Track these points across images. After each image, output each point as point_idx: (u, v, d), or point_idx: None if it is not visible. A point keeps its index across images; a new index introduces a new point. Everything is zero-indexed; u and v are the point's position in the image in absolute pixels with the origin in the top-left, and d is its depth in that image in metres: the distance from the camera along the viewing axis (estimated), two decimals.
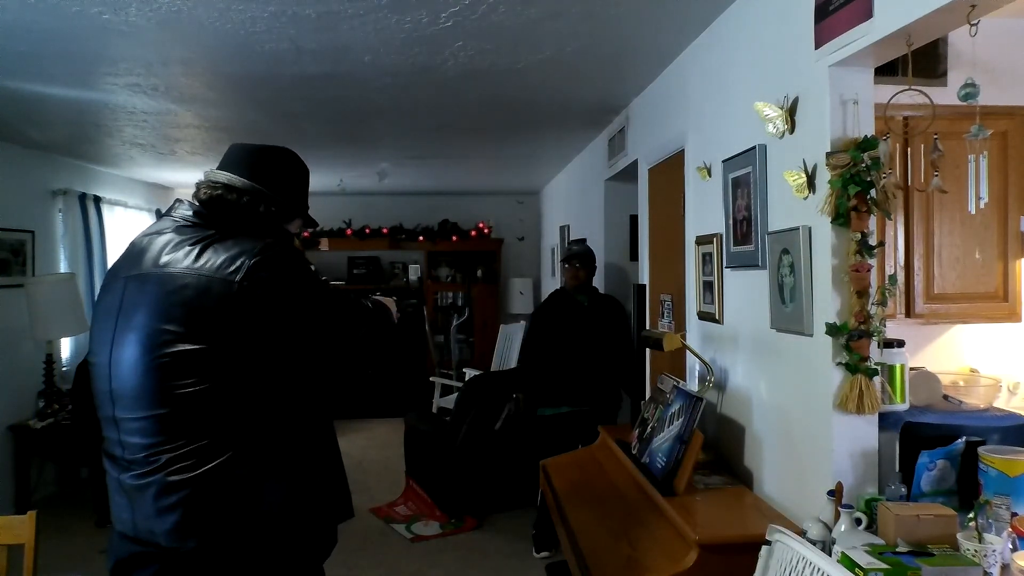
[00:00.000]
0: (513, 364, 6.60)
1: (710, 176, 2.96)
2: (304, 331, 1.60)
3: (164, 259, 1.56)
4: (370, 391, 7.77)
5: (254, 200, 1.67)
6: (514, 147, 5.66)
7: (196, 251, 1.55)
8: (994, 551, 1.60)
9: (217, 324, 1.49)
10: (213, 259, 1.53)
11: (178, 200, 1.70)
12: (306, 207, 1.85)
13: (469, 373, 6.72)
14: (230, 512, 1.51)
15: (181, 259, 1.55)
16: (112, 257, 6.15)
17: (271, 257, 1.55)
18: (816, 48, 2.08)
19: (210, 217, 1.63)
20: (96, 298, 1.73)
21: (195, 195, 1.69)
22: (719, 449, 2.82)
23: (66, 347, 5.69)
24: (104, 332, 1.59)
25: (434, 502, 4.84)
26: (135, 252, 1.64)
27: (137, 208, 6.85)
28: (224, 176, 1.68)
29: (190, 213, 1.64)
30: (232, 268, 1.51)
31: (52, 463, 5.36)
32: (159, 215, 7.17)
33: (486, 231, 8.49)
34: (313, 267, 1.73)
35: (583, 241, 5.33)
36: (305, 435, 1.64)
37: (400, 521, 4.74)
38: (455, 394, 6.35)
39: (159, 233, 1.63)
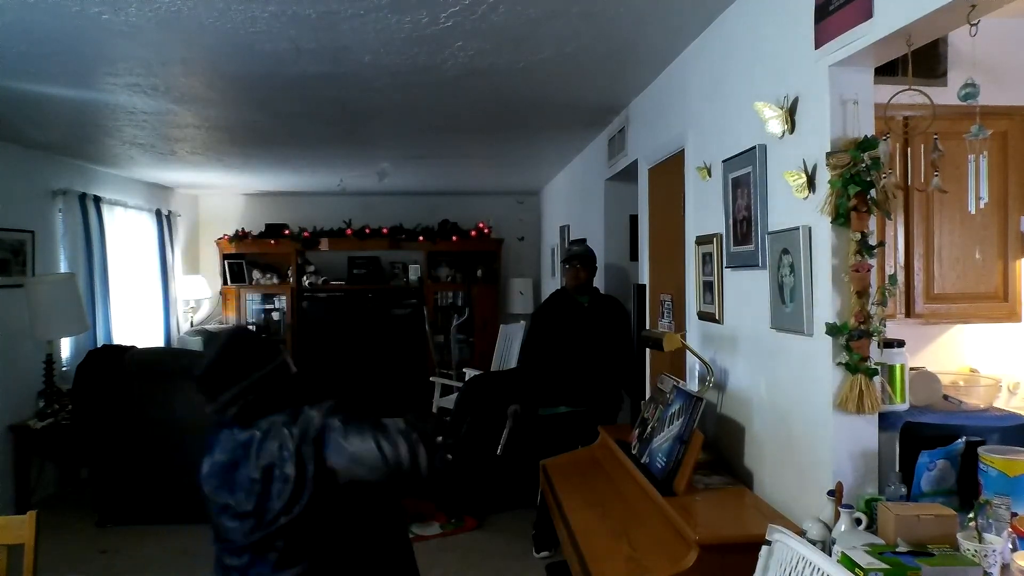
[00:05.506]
0: (513, 364, 6.59)
1: (710, 176, 2.96)
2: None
3: None
4: (370, 391, 7.76)
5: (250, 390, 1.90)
6: (514, 147, 5.65)
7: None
8: (994, 551, 1.60)
9: None
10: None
11: None
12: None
13: (469, 373, 6.71)
14: None
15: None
16: (112, 257, 6.17)
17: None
18: (816, 48, 2.08)
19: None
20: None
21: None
22: (719, 449, 2.82)
23: (66, 347, 5.68)
24: None
25: (434, 502, 4.84)
26: None
27: (137, 208, 6.84)
28: (227, 395, 1.87)
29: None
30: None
31: (52, 463, 5.35)
32: (159, 216, 7.19)
33: (486, 231, 8.48)
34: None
35: (583, 241, 5.33)
36: (372, 543, 1.92)
37: None
38: (455, 394, 6.35)
39: None
